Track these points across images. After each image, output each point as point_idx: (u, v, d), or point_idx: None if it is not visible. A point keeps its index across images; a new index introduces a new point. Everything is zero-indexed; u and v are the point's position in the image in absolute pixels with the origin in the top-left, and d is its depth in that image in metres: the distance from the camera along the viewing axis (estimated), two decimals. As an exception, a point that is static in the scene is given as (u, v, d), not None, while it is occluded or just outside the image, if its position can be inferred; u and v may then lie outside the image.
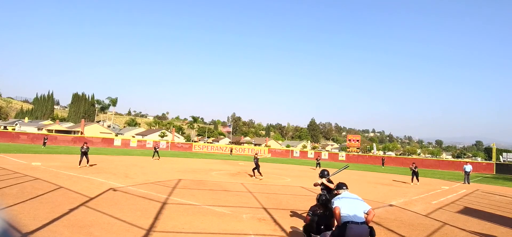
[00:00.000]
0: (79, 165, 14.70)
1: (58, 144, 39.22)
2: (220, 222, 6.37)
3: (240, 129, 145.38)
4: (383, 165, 38.79)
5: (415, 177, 17.15)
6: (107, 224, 5.64)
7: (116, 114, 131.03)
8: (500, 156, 49.15)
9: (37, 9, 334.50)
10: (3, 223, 1.45)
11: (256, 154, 17.02)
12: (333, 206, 4.30)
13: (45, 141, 31.78)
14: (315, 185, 6.25)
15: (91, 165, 15.68)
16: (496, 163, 40.57)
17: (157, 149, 25.52)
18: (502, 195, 14.68)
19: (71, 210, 6.45)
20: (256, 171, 15.59)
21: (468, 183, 19.21)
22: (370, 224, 4.11)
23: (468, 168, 19.90)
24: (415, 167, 17.22)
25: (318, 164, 25.94)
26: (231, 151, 45.09)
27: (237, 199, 9.09)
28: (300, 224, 6.58)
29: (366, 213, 4.15)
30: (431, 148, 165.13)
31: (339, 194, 4.67)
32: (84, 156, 14.90)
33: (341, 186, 4.85)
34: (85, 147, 15.11)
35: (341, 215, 4.13)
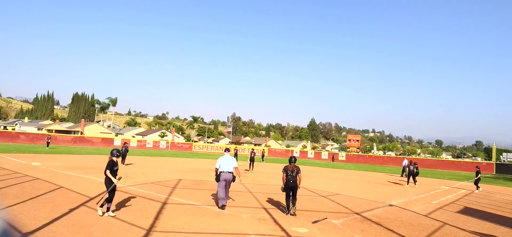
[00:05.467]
0: (121, 163, 16.51)
1: (58, 144, 39.20)
2: (220, 222, 6.37)
3: (240, 129, 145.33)
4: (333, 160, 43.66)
5: (411, 177, 16.19)
6: (107, 224, 5.64)
7: (116, 114, 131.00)
8: (501, 156, 49.08)
9: (37, 9, 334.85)
10: (3, 223, 1.45)
11: (252, 150, 20.86)
12: (216, 165, 7.84)
13: (49, 141, 31.73)
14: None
15: (127, 164, 17.24)
16: (496, 163, 40.51)
17: (254, 156, 24.09)
18: (503, 195, 14.68)
19: (71, 210, 6.45)
20: (251, 164, 19.40)
21: (403, 177, 20.42)
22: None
23: (405, 162, 21.21)
24: (415, 165, 16.30)
25: (252, 159, 26.30)
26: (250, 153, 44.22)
27: (237, 199, 9.08)
28: (301, 224, 6.58)
29: (235, 167, 7.85)
30: (431, 148, 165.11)
31: (223, 155, 7.98)
32: (123, 157, 16.97)
33: (226, 150, 8.38)
34: (125, 147, 17.37)
35: (219, 168, 7.73)
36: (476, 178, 15.68)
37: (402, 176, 21.27)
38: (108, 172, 6.12)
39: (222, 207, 7.50)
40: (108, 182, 6.17)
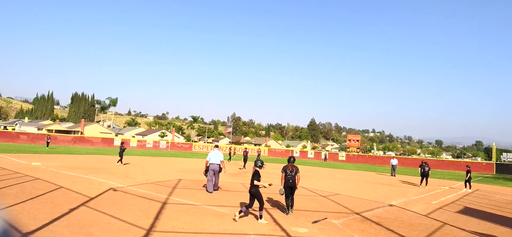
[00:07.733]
0: (117, 162, 16.81)
1: (58, 144, 39.20)
2: (220, 222, 6.37)
3: (240, 129, 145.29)
4: (325, 160, 44.53)
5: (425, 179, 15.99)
6: (107, 224, 5.64)
7: (116, 114, 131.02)
8: (501, 156, 49.04)
9: (37, 9, 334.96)
10: (3, 223, 1.44)
11: (245, 149, 22.67)
12: (207, 158, 10.02)
13: (48, 141, 31.77)
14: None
15: (124, 164, 17.32)
16: (496, 163, 40.43)
17: (247, 155, 21.46)
18: (503, 195, 14.68)
19: (71, 210, 6.45)
20: (244, 163, 20.62)
21: (394, 175, 21.55)
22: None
23: (394, 161, 22.35)
24: (426, 166, 16.07)
25: (245, 159, 27.01)
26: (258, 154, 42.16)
27: (237, 199, 9.08)
28: (300, 224, 6.58)
29: (221, 160, 9.92)
30: (431, 148, 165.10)
31: (213, 150, 10.15)
32: (120, 155, 16.88)
33: (215, 146, 10.66)
34: (122, 147, 17.29)
35: (209, 160, 9.82)
36: (466, 178, 15.76)
37: (393, 175, 21.60)
38: (256, 181, 6.58)
39: (211, 191, 9.64)
40: (258, 191, 6.57)
